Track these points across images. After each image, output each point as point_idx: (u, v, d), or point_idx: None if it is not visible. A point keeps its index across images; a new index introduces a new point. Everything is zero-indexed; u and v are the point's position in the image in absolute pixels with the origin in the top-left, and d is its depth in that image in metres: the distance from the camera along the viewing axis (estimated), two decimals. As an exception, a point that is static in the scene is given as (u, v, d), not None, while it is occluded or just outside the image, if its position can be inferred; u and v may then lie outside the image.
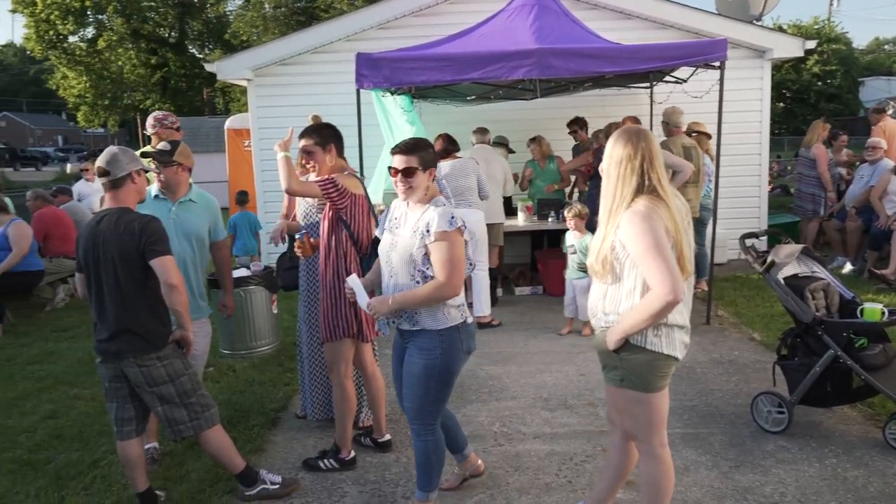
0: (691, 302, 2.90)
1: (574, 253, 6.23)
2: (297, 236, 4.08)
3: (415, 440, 3.21)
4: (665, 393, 2.81)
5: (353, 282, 3.20)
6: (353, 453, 3.96)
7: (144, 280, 3.30)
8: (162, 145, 4.09)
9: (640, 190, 2.68)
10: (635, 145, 2.69)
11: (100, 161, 3.34)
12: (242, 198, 9.33)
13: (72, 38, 31.74)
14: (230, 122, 13.17)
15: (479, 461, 3.72)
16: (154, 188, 4.09)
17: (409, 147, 3.08)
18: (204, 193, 4.25)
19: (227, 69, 9.22)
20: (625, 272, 2.71)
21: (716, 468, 3.80)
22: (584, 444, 4.15)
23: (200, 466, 3.98)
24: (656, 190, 2.68)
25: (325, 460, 3.92)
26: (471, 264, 3.18)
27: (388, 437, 4.17)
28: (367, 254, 3.77)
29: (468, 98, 8.45)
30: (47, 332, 7.11)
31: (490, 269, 7.01)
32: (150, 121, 4.77)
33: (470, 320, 3.17)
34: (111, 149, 3.40)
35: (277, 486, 3.65)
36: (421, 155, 3.05)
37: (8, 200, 9.61)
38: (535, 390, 5.03)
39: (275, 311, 6.19)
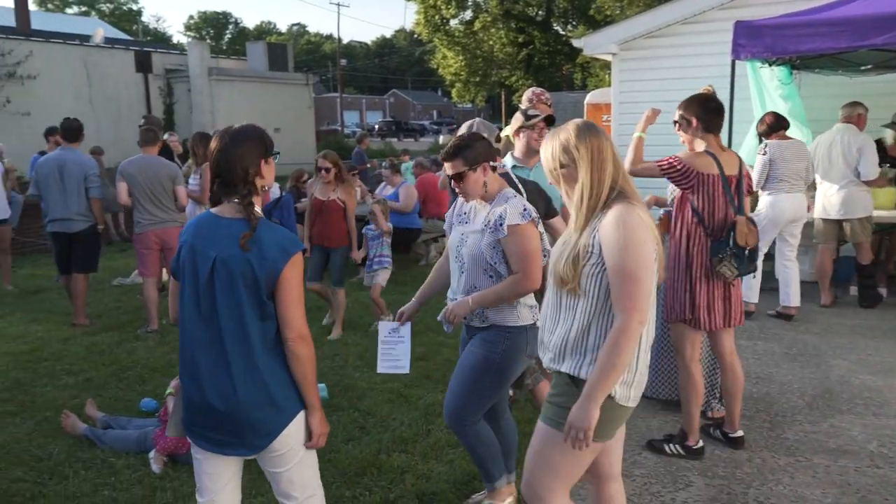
0: None
1: None
2: (660, 212, 4.01)
3: (460, 440, 3.17)
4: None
5: (385, 327, 3.41)
6: (701, 443, 3.79)
7: None
8: (533, 111, 4.23)
9: None
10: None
11: (478, 130, 3.64)
12: None
13: (452, 22, 35.05)
14: (591, 97, 13.34)
15: (511, 498, 3.23)
16: (509, 159, 4.27)
17: (451, 151, 2.97)
18: None
19: (593, 44, 9.34)
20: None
21: None
22: None
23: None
24: None
25: (671, 445, 3.81)
26: (545, 256, 2.89)
27: (740, 432, 3.90)
28: (721, 237, 3.56)
29: (862, 68, 7.37)
30: (419, 284, 8.00)
31: (864, 266, 6.51)
32: (528, 95, 5.01)
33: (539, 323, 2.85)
34: (475, 121, 3.74)
35: None
36: (465, 155, 2.93)
37: (407, 165, 11.10)
38: (925, 411, 4.29)
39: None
